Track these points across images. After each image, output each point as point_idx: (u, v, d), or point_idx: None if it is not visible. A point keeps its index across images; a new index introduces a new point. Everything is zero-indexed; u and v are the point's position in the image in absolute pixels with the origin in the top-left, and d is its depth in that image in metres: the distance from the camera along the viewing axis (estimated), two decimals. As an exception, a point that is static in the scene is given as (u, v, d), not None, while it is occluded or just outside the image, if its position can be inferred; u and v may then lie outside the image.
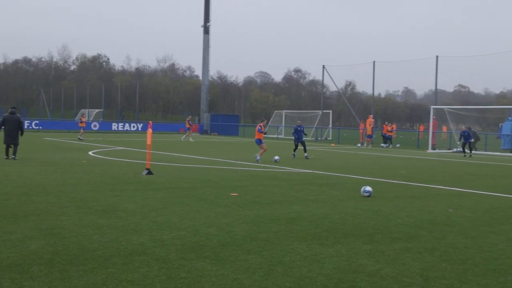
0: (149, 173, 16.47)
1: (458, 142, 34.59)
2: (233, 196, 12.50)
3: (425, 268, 6.71)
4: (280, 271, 6.41)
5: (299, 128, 26.72)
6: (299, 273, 6.35)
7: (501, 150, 38.37)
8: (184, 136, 47.26)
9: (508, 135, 39.15)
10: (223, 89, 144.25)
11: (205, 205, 11.14)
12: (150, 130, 17.40)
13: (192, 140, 44.46)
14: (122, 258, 6.80)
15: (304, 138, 26.77)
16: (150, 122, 18.85)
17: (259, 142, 24.11)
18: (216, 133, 64.16)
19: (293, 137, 27.20)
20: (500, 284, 6.16)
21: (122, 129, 62.24)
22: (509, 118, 42.07)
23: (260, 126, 24.61)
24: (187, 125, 46.50)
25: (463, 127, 34.88)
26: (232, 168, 19.62)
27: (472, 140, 34.49)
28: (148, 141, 17.37)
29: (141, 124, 63.85)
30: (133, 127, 63.53)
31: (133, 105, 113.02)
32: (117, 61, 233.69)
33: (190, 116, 50.11)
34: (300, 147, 26.97)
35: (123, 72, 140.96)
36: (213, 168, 19.64)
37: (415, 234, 8.79)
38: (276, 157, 23.54)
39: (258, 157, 23.44)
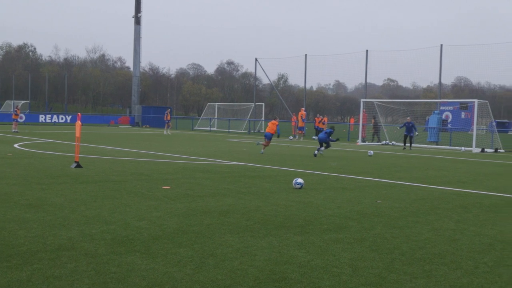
0: (78, 166, 16.11)
1: (398, 128, 35.13)
2: (164, 189, 12.38)
3: (354, 258, 6.83)
4: (211, 264, 6.39)
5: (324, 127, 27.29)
6: (231, 266, 6.34)
7: (427, 142, 39.53)
8: (166, 130, 47.21)
9: (434, 128, 40.36)
10: (155, 81, 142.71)
11: (136, 198, 10.98)
12: (79, 122, 17.01)
13: (169, 134, 44.90)
14: (49, 254, 6.61)
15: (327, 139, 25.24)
16: (79, 114, 18.44)
17: (270, 137, 25.52)
18: (147, 126, 63.43)
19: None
20: (425, 272, 6.34)
21: (50, 121, 60.68)
22: (436, 111, 43.37)
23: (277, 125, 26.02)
24: (167, 118, 46.64)
25: (408, 118, 35.41)
26: (164, 161, 19.44)
27: (416, 134, 34.88)
28: (77, 134, 16.97)
29: (70, 116, 62.45)
30: (62, 119, 62.04)
31: (61, 97, 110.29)
32: (45, 51, 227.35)
33: (169, 110, 50.06)
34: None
35: (51, 62, 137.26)
36: (145, 161, 19.40)
37: (345, 225, 8.94)
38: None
39: (262, 150, 25.18)
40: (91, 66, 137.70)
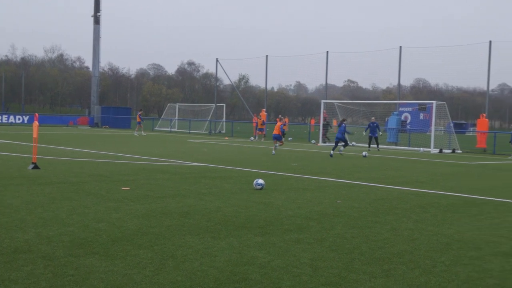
0: (35, 167, 15.82)
1: (364, 133, 35.37)
2: (124, 190, 12.25)
3: (315, 258, 6.86)
4: (171, 265, 6.34)
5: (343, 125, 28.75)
6: (191, 267, 6.30)
7: (386, 143, 40.01)
8: (138, 132, 47.07)
9: (393, 128, 40.88)
10: (115, 81, 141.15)
11: (95, 200, 10.83)
12: (36, 123, 16.70)
13: (144, 134, 44.83)
14: (5, 256, 6.47)
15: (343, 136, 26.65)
16: (36, 114, 18.12)
17: (279, 137, 27.28)
18: (107, 126, 62.70)
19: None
20: (384, 271, 6.41)
21: (6, 121, 59.47)
22: (395, 112, 43.95)
23: (282, 124, 27.95)
24: (138, 119, 46.69)
25: (373, 118, 35.65)
26: (124, 162, 19.23)
27: (380, 133, 35.01)
28: (34, 134, 16.67)
29: (27, 117, 61.32)
30: (19, 119, 60.88)
31: (18, 97, 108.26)
32: (1, 50, 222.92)
33: (141, 111, 49.78)
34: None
35: (8, 62, 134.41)
36: (104, 162, 19.17)
37: (306, 225, 8.98)
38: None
39: (273, 151, 26.77)
40: (49, 66, 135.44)
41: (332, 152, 25.99)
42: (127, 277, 5.86)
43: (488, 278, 6.29)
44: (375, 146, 34.22)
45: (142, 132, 46.37)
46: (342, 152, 26.61)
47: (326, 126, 41.34)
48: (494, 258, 7.21)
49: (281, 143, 27.84)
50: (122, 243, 7.33)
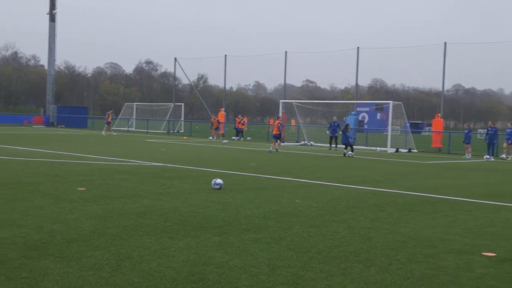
0: (-11, 167, 15.46)
1: (327, 132, 35.59)
2: (80, 190, 12.07)
3: (272, 258, 6.87)
4: (128, 266, 6.27)
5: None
6: (148, 268, 6.25)
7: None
8: (106, 131, 46.63)
9: (351, 128, 41.25)
10: (71, 80, 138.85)
11: (50, 200, 10.65)
12: (-11, 122, 16.33)
13: (114, 134, 44.91)
14: (-45, 260, 6.30)
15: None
16: (-10, 113, 17.71)
17: (279, 136, 29.08)
18: (63, 126, 61.68)
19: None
20: (341, 270, 6.46)
21: (-42, 120, 58.01)
22: (353, 112, 44.40)
23: (279, 124, 29.49)
24: (109, 119, 46.72)
25: (334, 118, 35.89)
26: (80, 162, 18.95)
27: (340, 133, 35.27)
28: (-12, 134, 16.29)
29: (-20, 116, 59.91)
30: (-29, 118, 59.46)
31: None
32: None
33: (111, 111, 49.30)
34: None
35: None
36: (60, 162, 18.86)
37: (264, 224, 8.99)
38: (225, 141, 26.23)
39: (270, 148, 28.58)
40: (3, 64, 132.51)
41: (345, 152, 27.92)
42: (83, 278, 5.78)
43: (442, 275, 6.40)
44: (335, 145, 34.54)
45: (112, 132, 46.30)
46: (351, 155, 27.58)
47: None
48: (448, 256, 7.35)
49: (278, 144, 29.40)
50: (77, 244, 7.22)
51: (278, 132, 28.91)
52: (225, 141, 41.21)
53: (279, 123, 29.52)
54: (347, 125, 28.92)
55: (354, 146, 29.18)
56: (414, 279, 6.21)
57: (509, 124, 32.24)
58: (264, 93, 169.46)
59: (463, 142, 32.23)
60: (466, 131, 32.39)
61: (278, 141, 29.30)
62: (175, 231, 8.22)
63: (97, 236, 7.74)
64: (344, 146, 28.14)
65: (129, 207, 10.16)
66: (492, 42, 72.57)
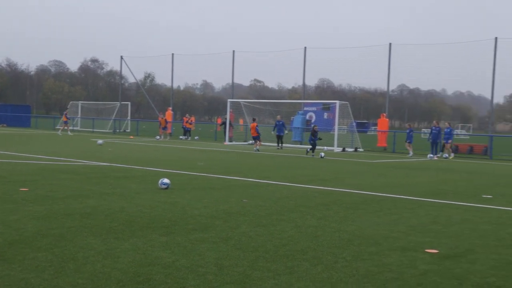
0: None
1: (272, 132, 35.74)
2: (23, 191, 11.77)
3: (220, 257, 6.85)
4: (72, 268, 6.14)
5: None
6: (93, 269, 6.14)
7: (292, 142, 40.66)
8: (62, 132, 45.76)
9: (298, 128, 41.58)
10: (13, 78, 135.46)
11: (-9, 201, 10.35)
12: None
13: (70, 134, 44.17)
14: None
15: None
16: None
17: (257, 138, 31.53)
18: (4, 125, 60.09)
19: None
20: (288, 268, 6.49)
21: None
22: (300, 112, 44.72)
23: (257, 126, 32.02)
24: (64, 119, 45.98)
25: (278, 117, 36.10)
26: (23, 162, 18.50)
27: (286, 132, 35.57)
28: None
29: None
30: None
31: None
32: None
33: (68, 110, 48.20)
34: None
35: None
36: (1, 162, 18.36)
37: (211, 224, 8.96)
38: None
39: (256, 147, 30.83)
40: None
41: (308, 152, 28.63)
42: (25, 281, 5.63)
43: (386, 272, 6.50)
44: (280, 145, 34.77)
45: (68, 132, 45.52)
46: (312, 155, 27.78)
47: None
48: (392, 253, 7.47)
49: (258, 144, 31.55)
50: (19, 246, 7.04)
51: (257, 134, 31.52)
52: (157, 137, 41.10)
53: (256, 125, 32.06)
54: (314, 127, 29.60)
55: (301, 146, 29.58)
56: (359, 277, 6.29)
57: (447, 124, 33.12)
58: (212, 92, 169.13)
59: (405, 141, 32.92)
60: (408, 131, 33.11)
61: (258, 141, 31.63)
62: (121, 232, 8.10)
63: (40, 237, 7.55)
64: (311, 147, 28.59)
65: (74, 208, 9.97)
66: (436, 44, 74.42)
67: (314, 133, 28.72)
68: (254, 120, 34.00)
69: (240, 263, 6.63)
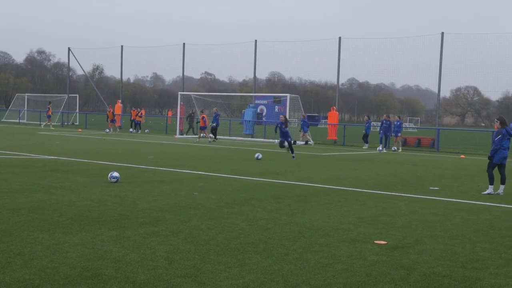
0: None
1: (213, 124, 35.73)
2: (-34, 185, 11.45)
3: (170, 251, 6.81)
4: (19, 263, 6.01)
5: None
6: (40, 264, 6.01)
7: (243, 135, 40.67)
8: (45, 126, 45.28)
9: (249, 121, 41.59)
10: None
11: None
12: None
13: (52, 128, 43.48)
14: None
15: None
16: None
17: (203, 128, 33.07)
18: None
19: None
20: (239, 261, 6.50)
21: None
22: (251, 105, 44.73)
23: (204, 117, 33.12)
24: (49, 113, 45.44)
25: (215, 109, 36.15)
26: (-33, 155, 17.97)
27: (213, 125, 35.70)
28: None
29: None
30: None
31: None
32: None
33: (50, 103, 47.07)
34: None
35: None
36: None
37: (162, 218, 8.90)
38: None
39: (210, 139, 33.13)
40: None
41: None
42: (-31, 278, 5.48)
43: (336, 264, 6.58)
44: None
45: (51, 126, 44.67)
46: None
47: (192, 117, 41.24)
48: (342, 244, 7.56)
49: (204, 134, 33.60)
50: (-37, 242, 6.84)
51: (204, 125, 32.81)
52: (107, 130, 40.82)
53: (203, 116, 33.33)
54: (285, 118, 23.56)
55: (252, 139, 29.29)
56: (310, 268, 6.34)
57: (396, 117, 33.62)
58: (162, 85, 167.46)
59: (362, 138, 33.66)
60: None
61: (204, 132, 33.43)
62: (69, 226, 7.96)
63: (-15, 232, 7.36)
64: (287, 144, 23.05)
65: (20, 202, 9.75)
66: (385, 38, 75.52)
67: (285, 125, 22.93)
68: (201, 111, 35.71)
69: (191, 256, 6.60)
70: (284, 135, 22.62)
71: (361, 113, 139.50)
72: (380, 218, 9.69)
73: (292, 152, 22.50)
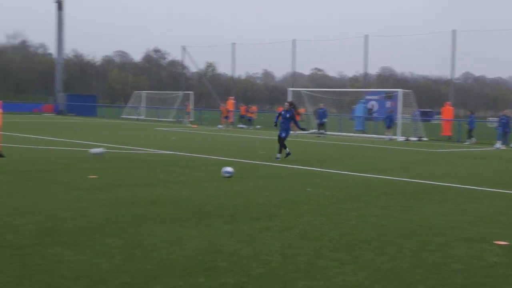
0: (0, 155, 15.55)
1: (325, 120, 35.79)
2: (91, 178, 12.12)
3: (284, 246, 6.90)
4: (140, 254, 6.31)
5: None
6: (159, 256, 6.29)
7: (354, 131, 40.31)
8: (187, 121, 49.07)
9: (360, 117, 41.15)
10: (80, 68, 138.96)
11: (61, 188, 10.71)
12: (0, 110, 16.41)
13: (189, 125, 46.34)
14: (-30, 247, 6.37)
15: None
16: (0, 101, 17.77)
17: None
18: (74, 114, 61.83)
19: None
20: (352, 258, 6.48)
21: (-31, 109, 58.24)
22: (362, 100, 44.27)
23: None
24: (188, 109, 49.55)
25: (321, 105, 36.20)
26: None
27: (325, 121, 35.65)
28: (-1, 122, 16.36)
29: (-9, 104, 60.09)
30: (-18, 107, 59.65)
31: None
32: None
33: (188, 102, 50.92)
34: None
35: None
36: (70, 150, 18.94)
37: (275, 213, 9.02)
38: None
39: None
40: (11, 52, 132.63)
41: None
42: (96, 266, 5.83)
43: (453, 263, 6.41)
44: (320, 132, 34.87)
45: (188, 123, 48.06)
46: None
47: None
48: (459, 244, 7.35)
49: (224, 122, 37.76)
50: (90, 232, 7.27)
51: (226, 114, 37.71)
52: (219, 126, 41.58)
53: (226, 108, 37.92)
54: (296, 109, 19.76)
55: (363, 135, 28.83)
56: (425, 267, 6.22)
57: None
58: (272, 81, 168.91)
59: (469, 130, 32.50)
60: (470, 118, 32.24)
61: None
62: (186, 220, 8.26)
63: (109, 224, 7.78)
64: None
65: (141, 196, 10.21)
66: (504, 30, 72.02)
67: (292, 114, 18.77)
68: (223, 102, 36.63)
69: (304, 252, 6.66)
70: (284, 128, 18.54)
71: (477, 108, 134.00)
72: (499, 218, 9.31)
73: (279, 152, 18.21)
